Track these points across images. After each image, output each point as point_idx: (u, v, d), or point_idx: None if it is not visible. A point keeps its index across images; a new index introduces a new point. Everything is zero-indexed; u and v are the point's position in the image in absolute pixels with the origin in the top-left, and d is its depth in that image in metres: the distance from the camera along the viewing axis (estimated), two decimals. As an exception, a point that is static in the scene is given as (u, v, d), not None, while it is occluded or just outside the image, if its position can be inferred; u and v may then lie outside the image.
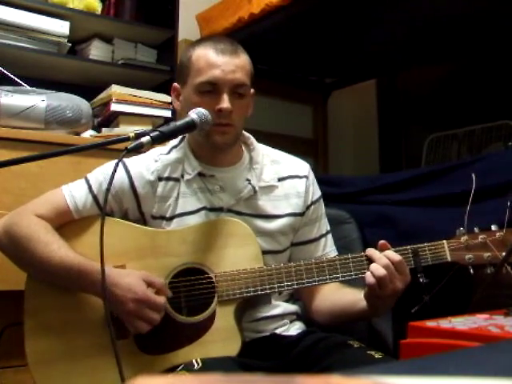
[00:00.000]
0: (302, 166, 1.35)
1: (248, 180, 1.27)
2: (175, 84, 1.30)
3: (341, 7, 2.12)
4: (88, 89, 2.02)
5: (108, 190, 1.05)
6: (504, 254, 1.09)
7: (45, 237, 1.16)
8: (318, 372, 1.08)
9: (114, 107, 1.92)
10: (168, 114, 2.02)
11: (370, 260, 1.13)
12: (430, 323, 0.89)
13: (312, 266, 1.16)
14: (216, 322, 1.14)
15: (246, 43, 1.29)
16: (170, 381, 0.30)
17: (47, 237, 1.17)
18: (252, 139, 1.34)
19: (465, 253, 1.15)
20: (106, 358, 1.10)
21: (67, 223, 1.22)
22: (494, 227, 1.15)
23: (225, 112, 1.18)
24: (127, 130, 1.88)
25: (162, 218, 1.24)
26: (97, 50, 2.13)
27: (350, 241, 1.51)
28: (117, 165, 1.04)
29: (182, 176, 1.26)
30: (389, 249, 1.14)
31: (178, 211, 1.24)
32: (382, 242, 1.15)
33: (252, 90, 1.28)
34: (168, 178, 1.26)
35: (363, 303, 1.15)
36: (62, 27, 1.98)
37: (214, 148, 1.25)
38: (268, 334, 1.25)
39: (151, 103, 2.00)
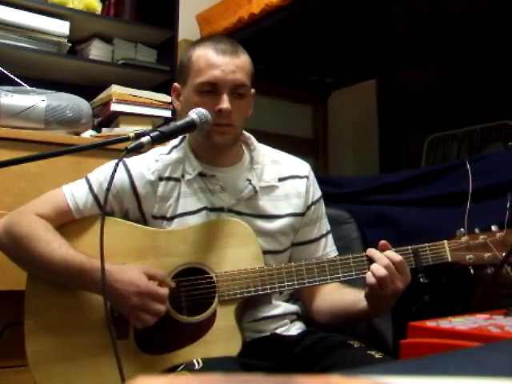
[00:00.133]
0: (302, 166, 1.35)
1: (249, 180, 1.27)
2: (175, 84, 1.30)
3: (341, 7, 2.12)
4: (88, 89, 2.02)
5: (108, 189, 1.05)
6: (504, 254, 1.09)
7: (45, 236, 1.17)
8: (318, 372, 1.08)
9: (114, 107, 1.92)
10: (168, 113, 2.02)
11: (371, 260, 1.13)
12: (430, 323, 0.90)
13: (313, 266, 1.16)
14: (217, 321, 1.14)
15: (246, 43, 1.29)
16: (171, 380, 0.30)
17: (48, 236, 1.17)
18: (252, 139, 1.34)
19: (465, 253, 1.15)
20: (106, 358, 1.10)
21: (68, 223, 1.22)
22: (494, 228, 1.15)
23: (224, 112, 1.18)
24: (127, 129, 1.88)
25: (163, 217, 1.24)
26: (97, 50, 2.13)
27: (349, 241, 1.51)
28: (117, 165, 1.04)
29: (183, 176, 1.26)
30: (389, 249, 1.14)
31: (179, 211, 1.24)
32: (382, 242, 1.15)
33: (252, 91, 1.28)
34: (169, 178, 1.26)
35: (364, 303, 1.15)
36: (61, 27, 1.98)
37: (214, 148, 1.25)
38: (268, 333, 1.25)
39: (151, 103, 2.00)
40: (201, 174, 1.26)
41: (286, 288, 1.17)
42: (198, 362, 1.07)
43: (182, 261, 1.18)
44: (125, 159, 1.24)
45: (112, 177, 1.03)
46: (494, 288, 1.10)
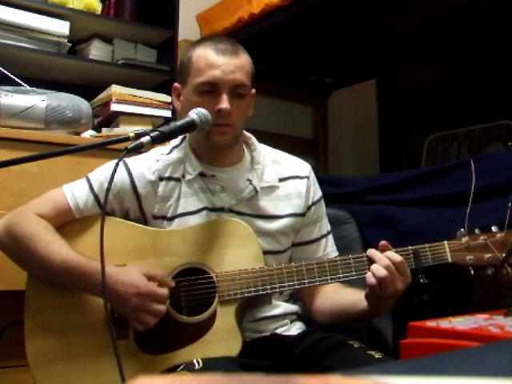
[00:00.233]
0: (303, 167, 1.35)
1: (249, 180, 1.27)
2: (176, 84, 1.30)
3: (341, 7, 2.12)
4: (88, 89, 2.02)
5: (108, 189, 1.05)
6: (504, 254, 1.09)
7: (46, 236, 1.17)
8: (318, 372, 1.08)
9: (114, 107, 1.92)
10: (168, 114, 2.02)
11: (371, 261, 1.13)
12: (430, 323, 0.90)
13: (313, 266, 1.16)
14: (217, 321, 1.14)
15: (246, 43, 1.29)
16: (171, 381, 0.30)
17: (48, 236, 1.17)
18: (253, 139, 1.34)
19: (465, 254, 1.15)
20: (106, 358, 1.10)
21: (68, 223, 1.22)
22: (494, 228, 1.15)
23: (224, 112, 1.18)
24: (127, 130, 1.88)
25: (163, 217, 1.24)
26: (97, 50, 2.13)
27: (349, 241, 1.51)
28: (117, 164, 1.04)
29: (183, 176, 1.26)
30: (390, 249, 1.14)
31: (179, 211, 1.24)
32: (382, 242, 1.15)
33: (253, 91, 1.28)
34: (169, 178, 1.26)
35: (364, 303, 1.15)
36: (61, 27, 1.98)
37: (214, 148, 1.25)
38: (268, 333, 1.25)
39: (151, 103, 2.00)
40: (201, 174, 1.26)
41: (287, 288, 1.17)
42: (198, 362, 1.07)
43: (182, 261, 1.18)
44: (125, 159, 1.24)
45: (112, 177, 1.03)
46: (494, 288, 1.10)
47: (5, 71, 1.79)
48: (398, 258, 1.11)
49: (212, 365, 1.05)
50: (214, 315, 1.15)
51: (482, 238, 1.15)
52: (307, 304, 1.33)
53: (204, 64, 1.20)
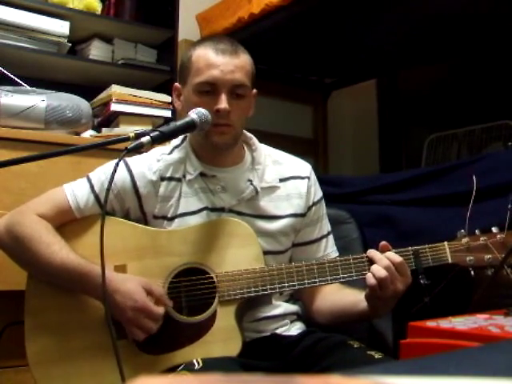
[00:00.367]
0: (303, 167, 1.35)
1: (250, 181, 1.27)
2: (176, 84, 1.30)
3: (341, 7, 2.12)
4: (88, 89, 2.02)
5: (108, 189, 1.05)
6: (504, 255, 1.09)
7: (46, 237, 1.16)
8: (318, 372, 1.08)
9: (114, 107, 1.92)
10: (168, 114, 2.02)
11: (371, 261, 1.13)
12: (430, 323, 0.90)
13: (313, 267, 1.16)
14: (217, 322, 1.14)
15: (246, 43, 1.29)
16: (171, 380, 0.30)
17: (49, 237, 1.17)
18: (254, 139, 1.34)
19: (465, 254, 1.15)
20: (106, 358, 1.10)
21: (68, 222, 1.22)
22: (494, 229, 1.15)
23: (223, 112, 1.18)
24: (127, 130, 1.88)
25: (164, 217, 1.24)
26: (97, 50, 2.13)
27: (349, 241, 1.51)
28: (117, 164, 1.04)
29: (184, 176, 1.26)
30: (390, 250, 1.14)
31: (180, 211, 1.24)
32: (383, 243, 1.15)
33: (254, 91, 1.28)
34: (170, 178, 1.26)
35: (364, 304, 1.15)
36: (62, 27, 1.98)
37: (213, 148, 1.25)
38: (268, 333, 1.25)
39: (151, 103, 2.00)
40: (202, 174, 1.26)
41: (287, 288, 1.17)
42: (198, 362, 1.07)
43: (182, 261, 1.18)
44: (126, 159, 1.24)
45: (112, 176, 1.03)
46: (494, 288, 1.10)
47: (5, 71, 1.79)
48: (398, 258, 1.11)
49: (212, 365, 1.06)
50: (214, 315, 1.15)
51: (482, 238, 1.15)
52: (307, 304, 1.33)
53: (203, 64, 1.20)
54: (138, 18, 2.25)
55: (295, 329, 1.29)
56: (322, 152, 3.08)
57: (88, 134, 1.86)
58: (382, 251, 1.14)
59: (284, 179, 1.31)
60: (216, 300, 1.15)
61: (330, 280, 1.16)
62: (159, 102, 2.01)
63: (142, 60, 2.21)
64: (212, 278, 1.16)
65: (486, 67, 2.52)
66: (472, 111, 2.52)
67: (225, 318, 1.14)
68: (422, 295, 1.14)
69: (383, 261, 1.10)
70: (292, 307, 1.32)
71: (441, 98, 2.71)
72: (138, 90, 1.99)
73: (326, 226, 1.36)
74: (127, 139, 1.06)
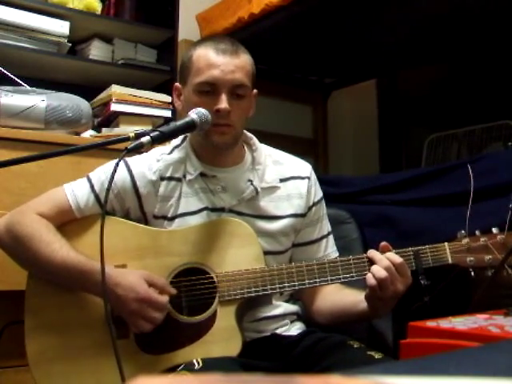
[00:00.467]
0: (304, 167, 1.35)
1: (250, 181, 1.27)
2: (176, 84, 1.30)
3: (341, 7, 2.12)
4: (88, 89, 2.02)
5: (108, 189, 1.05)
6: (503, 255, 1.09)
7: (46, 236, 1.17)
8: (318, 372, 1.08)
9: (114, 107, 1.92)
10: (168, 114, 2.02)
11: (372, 261, 1.13)
12: (430, 323, 0.90)
13: (313, 267, 1.16)
14: (217, 322, 1.14)
15: (246, 43, 1.29)
16: (171, 380, 0.30)
17: (49, 236, 1.17)
18: (254, 139, 1.34)
19: (466, 255, 1.15)
20: (106, 358, 1.10)
21: (68, 222, 1.22)
22: (495, 230, 1.15)
23: (223, 112, 1.18)
24: (127, 130, 1.88)
25: (164, 217, 1.24)
26: (97, 50, 2.13)
27: (349, 241, 1.51)
28: (117, 164, 1.04)
29: (184, 176, 1.26)
30: (390, 250, 1.14)
31: (180, 211, 1.24)
32: (383, 243, 1.15)
33: (254, 91, 1.28)
34: (170, 178, 1.26)
35: (364, 304, 1.15)
36: (61, 27, 1.98)
37: (213, 148, 1.25)
38: (269, 334, 1.25)
39: (151, 103, 2.00)
40: (202, 174, 1.26)
41: (287, 288, 1.17)
42: (198, 362, 1.07)
43: (182, 261, 1.18)
44: (126, 159, 1.24)
45: (112, 176, 1.03)
46: (494, 288, 1.10)
47: (5, 71, 1.79)
48: (398, 259, 1.11)
49: (212, 365, 1.05)
50: (214, 315, 1.15)
51: (482, 239, 1.15)
52: (307, 304, 1.33)
53: (204, 64, 1.20)
54: (138, 18, 2.25)
55: (295, 329, 1.29)
56: (322, 152, 3.08)
57: (88, 134, 1.86)
58: (383, 252, 1.14)
59: (284, 179, 1.31)
60: (216, 300, 1.15)
61: (331, 280, 1.16)
62: (159, 101, 2.01)
63: (142, 60, 2.22)
64: (212, 277, 1.16)
65: (486, 67, 2.52)
66: (472, 111, 2.52)
67: (225, 317, 1.14)
68: (422, 296, 1.14)
69: (383, 261, 1.10)
70: (292, 307, 1.32)
71: (441, 98, 2.71)
72: (138, 90, 1.99)
73: (327, 227, 1.36)
74: (127, 139, 1.06)
